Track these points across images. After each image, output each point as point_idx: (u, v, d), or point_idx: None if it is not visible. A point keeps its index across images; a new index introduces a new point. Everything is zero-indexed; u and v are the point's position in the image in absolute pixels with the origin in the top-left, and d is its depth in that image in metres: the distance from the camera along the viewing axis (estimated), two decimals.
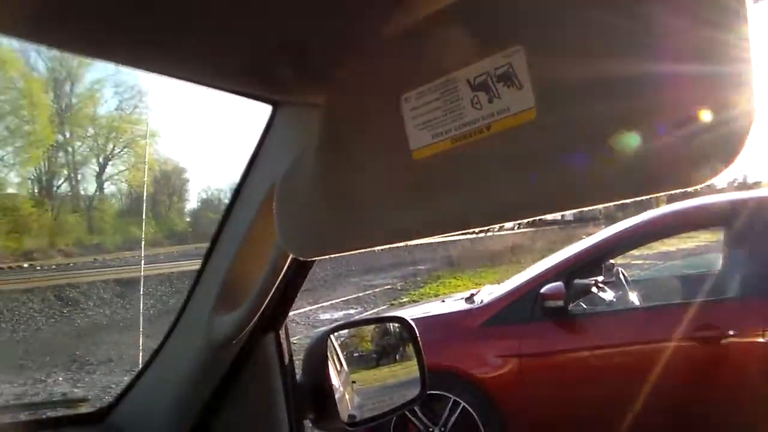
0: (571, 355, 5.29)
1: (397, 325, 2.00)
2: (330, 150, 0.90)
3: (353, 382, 2.03)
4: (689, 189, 0.62)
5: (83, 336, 13.66)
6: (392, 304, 14.54)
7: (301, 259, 1.00)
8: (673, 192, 0.64)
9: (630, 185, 0.66)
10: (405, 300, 15.28)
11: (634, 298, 5.93)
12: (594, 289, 5.58)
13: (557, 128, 0.68)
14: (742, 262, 5.45)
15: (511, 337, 5.36)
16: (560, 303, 5.24)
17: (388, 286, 18.57)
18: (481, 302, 5.74)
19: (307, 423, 1.60)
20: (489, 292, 5.99)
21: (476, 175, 0.76)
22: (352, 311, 14.14)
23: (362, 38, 0.85)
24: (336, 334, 1.95)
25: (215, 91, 1.03)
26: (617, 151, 0.64)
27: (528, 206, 0.73)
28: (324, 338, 1.65)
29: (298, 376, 1.62)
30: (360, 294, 16.90)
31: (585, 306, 5.54)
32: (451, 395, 5.37)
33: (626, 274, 6.32)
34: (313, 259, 1.02)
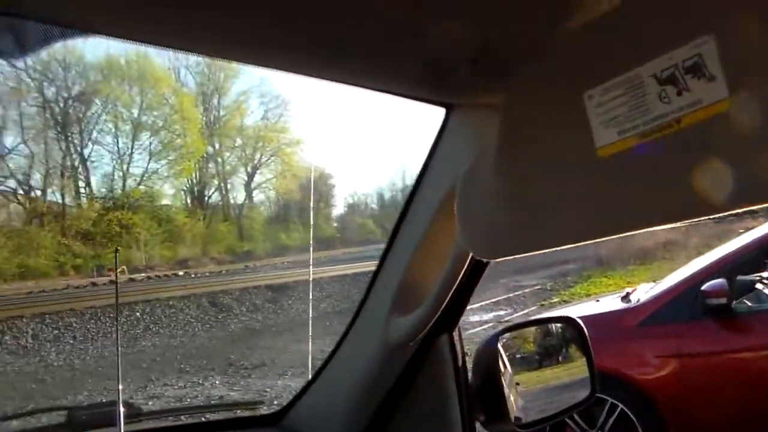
0: (736, 355, 5.06)
1: (559, 325, 1.99)
2: (510, 150, 0.90)
3: (517, 384, 2.04)
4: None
5: (237, 341, 14.15)
6: (542, 305, 14.31)
7: (483, 260, 1.01)
8: None
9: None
10: (555, 300, 15.01)
11: None
12: (759, 286, 5.29)
13: (752, 118, 0.66)
14: None
15: (670, 336, 5.18)
16: (723, 300, 5.02)
17: (538, 287, 18.26)
18: (638, 301, 5.59)
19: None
20: (645, 291, 5.82)
21: (666, 171, 0.74)
22: (501, 312, 14.01)
23: (542, 37, 0.85)
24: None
25: (386, 95, 1.06)
26: None
27: (722, 201, 0.71)
28: (494, 340, 1.67)
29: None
30: (509, 295, 16.70)
31: (750, 303, 5.27)
32: (608, 398, 5.25)
33: None
34: (495, 260, 1.01)
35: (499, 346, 1.81)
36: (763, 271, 5.45)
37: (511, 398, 1.87)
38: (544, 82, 0.86)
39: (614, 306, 5.80)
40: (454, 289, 1.34)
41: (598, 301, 6.56)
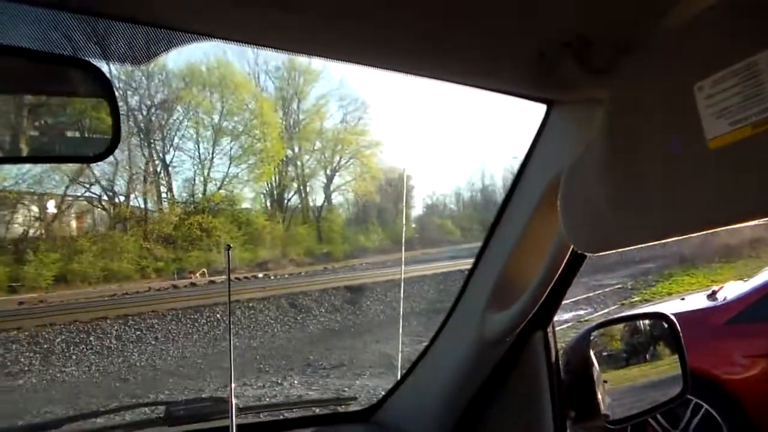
0: None
1: (647, 322, 1.99)
2: (616, 144, 0.90)
3: (605, 381, 2.05)
4: None
5: (316, 341, 14.26)
6: (623, 304, 14.05)
7: (587, 254, 1.01)
8: None
9: None
10: (636, 299, 14.71)
11: None
12: None
13: None
14: None
15: (760, 335, 5.05)
16: None
17: (618, 286, 17.91)
18: (725, 299, 5.47)
19: None
20: (733, 289, 5.69)
21: None
22: (581, 312, 13.81)
23: (647, 30, 0.85)
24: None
25: (487, 92, 1.07)
26: None
27: None
28: (586, 337, 1.68)
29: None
30: (590, 294, 16.41)
31: None
32: (692, 398, 5.17)
33: None
34: (598, 254, 1.01)
35: (590, 343, 1.82)
36: None
37: (599, 395, 1.88)
38: (651, 75, 0.86)
39: (700, 304, 5.69)
40: (552, 285, 1.35)
41: (683, 299, 6.44)
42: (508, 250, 1.43)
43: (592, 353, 1.97)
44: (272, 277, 23.95)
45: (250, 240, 29.04)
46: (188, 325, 14.89)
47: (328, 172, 35.99)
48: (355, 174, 35.78)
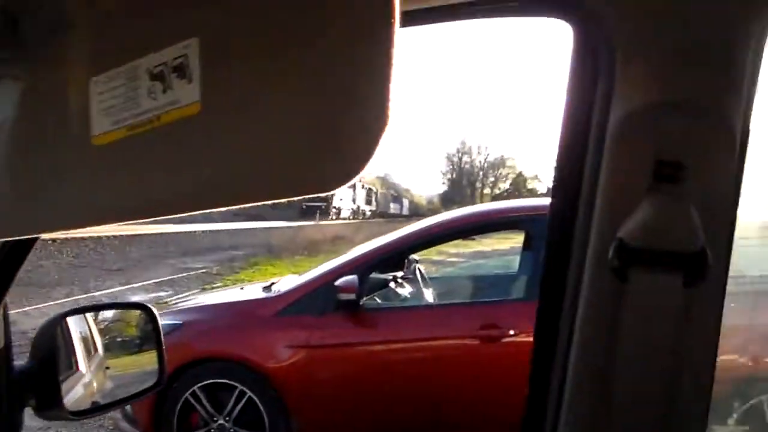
0: (359, 348, 5.45)
1: (139, 312, 2.00)
2: (21, 128, 0.87)
3: (107, 368, 2.00)
4: (326, 193, 0.64)
5: None
6: (204, 289, 14.28)
7: None
8: (310, 196, 0.66)
9: (269, 187, 0.68)
10: (218, 285, 15.06)
11: (428, 295, 6.13)
12: (392, 285, 5.75)
13: (219, 125, 0.69)
14: (531, 265, 5.84)
15: (303, 328, 5.43)
16: (352, 296, 5.36)
17: (204, 270, 18.20)
18: (279, 291, 5.79)
19: (29, 411, 1.57)
20: (288, 282, 6.05)
21: (146, 166, 0.75)
22: (162, 293, 13.76)
23: (73, 14, 0.82)
24: (101, 317, 1.91)
25: None
26: (265, 154, 0.66)
27: (190, 200, 0.73)
28: (55, 323, 1.61)
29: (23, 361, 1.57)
30: (174, 276, 16.47)
31: (380, 301, 5.71)
32: (237, 384, 5.39)
33: (424, 271, 6.54)
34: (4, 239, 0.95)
35: (92, 325, 1.77)
36: (398, 271, 5.95)
37: (94, 382, 1.83)
38: (64, 62, 0.84)
39: (256, 295, 5.96)
40: None
41: (242, 288, 6.71)
42: None
43: (97, 337, 1.92)
44: None
45: None
46: None
47: None
48: None
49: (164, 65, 0.72)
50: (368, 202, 56.80)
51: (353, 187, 51.09)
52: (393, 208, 62.86)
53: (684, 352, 1.12)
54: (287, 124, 0.64)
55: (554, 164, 1.26)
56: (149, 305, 1.90)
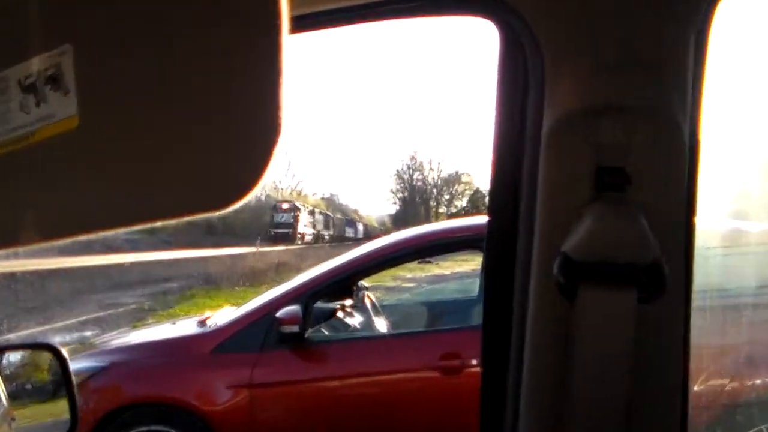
0: (306, 385, 5.38)
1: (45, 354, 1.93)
2: None
3: (12, 419, 1.93)
4: (220, 212, 0.63)
5: None
6: (135, 326, 14.06)
7: None
8: (207, 214, 0.65)
9: (157, 207, 0.66)
10: (151, 321, 14.85)
11: (381, 324, 6.05)
12: (339, 314, 5.68)
13: (99, 140, 0.67)
14: None
15: (243, 365, 5.35)
16: (295, 328, 5.30)
17: (134, 306, 17.98)
18: (215, 326, 5.70)
19: None
20: (224, 315, 5.96)
21: (19, 187, 0.73)
22: (88, 333, 13.52)
23: None
24: (5, 361, 1.82)
25: None
26: (152, 172, 0.65)
27: (68, 225, 0.71)
28: None
29: None
30: (101, 314, 16.19)
31: (326, 332, 5.64)
32: (172, 431, 5.27)
33: (374, 299, 6.50)
34: None
35: None
36: (345, 299, 5.88)
37: None
38: None
39: (189, 330, 5.87)
40: None
41: (174, 324, 6.61)
42: None
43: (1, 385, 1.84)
44: None
45: None
46: None
47: None
48: None
49: (36, 76, 0.70)
50: (326, 227, 58.73)
51: (312, 213, 53.96)
52: (348, 232, 64.50)
53: (645, 375, 1.10)
54: (173, 137, 0.64)
55: (489, 179, 1.26)
56: (56, 345, 1.84)
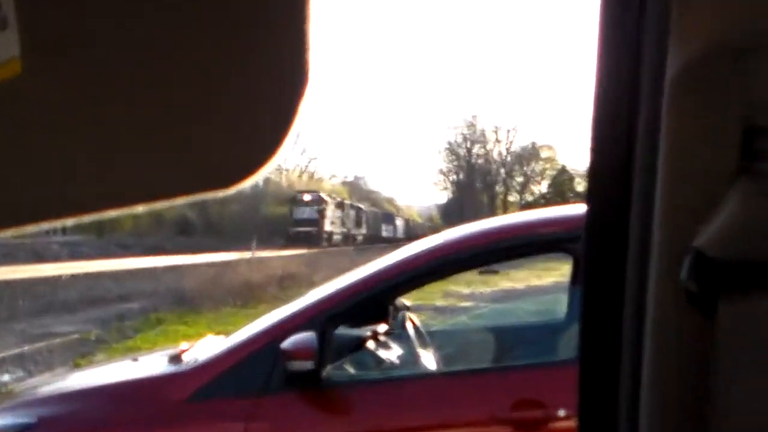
0: None
1: None
2: None
3: None
4: (225, 191, 0.67)
5: None
6: (78, 365, 14.16)
7: None
8: (206, 195, 0.69)
9: (145, 185, 0.70)
10: (100, 358, 14.97)
11: (427, 359, 6.02)
12: (371, 345, 5.64)
13: (49, 89, 0.69)
14: None
15: (234, 416, 5.31)
16: (309, 364, 5.23)
17: (76, 335, 18.07)
18: (195, 362, 5.67)
19: None
20: (208, 348, 5.94)
21: None
22: (6, 377, 13.65)
23: None
24: None
25: None
26: (130, 137, 0.68)
27: (27, 204, 0.74)
28: None
29: None
30: (25, 348, 16.20)
31: (351, 370, 5.62)
32: None
33: (418, 323, 6.46)
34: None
35: None
36: (379, 323, 5.80)
37: None
38: None
39: (158, 369, 5.85)
40: None
41: (135, 360, 6.62)
42: None
43: None
44: None
45: None
46: None
47: None
48: None
49: None
50: (358, 224, 58.88)
51: (341, 206, 54.31)
52: (384, 230, 64.65)
53: None
54: (160, 93, 0.67)
55: (589, 155, 1.23)
56: None
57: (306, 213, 48.07)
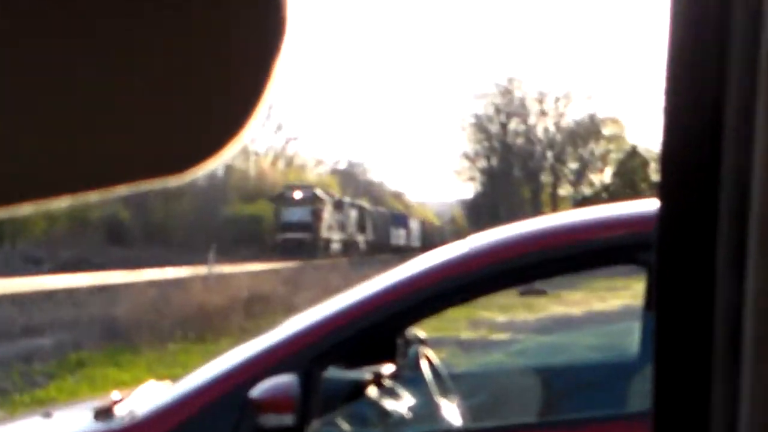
0: None
1: None
2: None
3: None
4: (173, 180, 0.69)
5: None
6: None
7: None
8: (155, 182, 0.71)
9: (102, 170, 0.72)
10: None
11: (450, 410, 5.99)
12: (372, 392, 5.64)
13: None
14: None
15: None
16: (289, 419, 5.23)
17: None
18: (132, 418, 5.69)
19: None
20: (148, 398, 5.95)
21: None
22: None
23: None
24: None
25: None
26: (74, 113, 0.69)
27: None
28: None
29: None
30: None
31: (347, 426, 5.63)
32: None
33: (437, 362, 6.43)
34: None
35: None
36: (383, 362, 5.77)
37: None
38: None
39: (80, 428, 5.88)
40: None
41: (48, 416, 6.64)
42: None
43: None
44: None
45: None
46: None
47: None
48: None
49: None
50: (361, 228, 59.20)
51: (340, 205, 54.66)
52: (394, 234, 65.01)
53: None
54: (110, 66, 0.67)
55: (662, 141, 1.24)
56: None
57: (297, 215, 47.96)
